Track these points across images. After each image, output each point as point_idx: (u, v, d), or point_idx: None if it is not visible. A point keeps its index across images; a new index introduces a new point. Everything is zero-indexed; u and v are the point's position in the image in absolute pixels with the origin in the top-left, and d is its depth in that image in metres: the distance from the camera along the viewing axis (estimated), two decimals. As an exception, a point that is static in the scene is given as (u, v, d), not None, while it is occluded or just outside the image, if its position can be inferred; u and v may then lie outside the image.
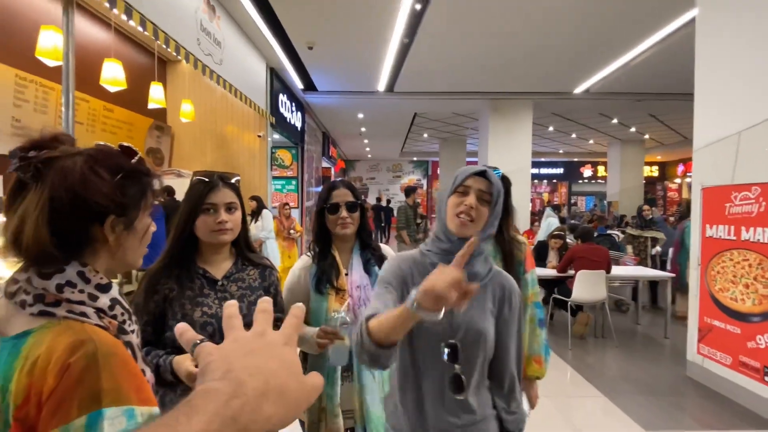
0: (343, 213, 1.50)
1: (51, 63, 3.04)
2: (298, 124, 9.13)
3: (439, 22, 5.51)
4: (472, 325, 1.08)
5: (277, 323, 0.39)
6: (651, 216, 6.50)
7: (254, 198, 6.18)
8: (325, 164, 13.60)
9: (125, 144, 0.71)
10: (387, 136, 13.93)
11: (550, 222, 7.58)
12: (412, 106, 9.90)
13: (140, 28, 3.28)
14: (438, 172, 17.06)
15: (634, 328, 5.33)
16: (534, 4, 5.04)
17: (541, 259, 5.38)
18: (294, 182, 9.77)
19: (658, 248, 6.42)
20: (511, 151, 9.11)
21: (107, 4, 2.88)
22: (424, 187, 20.33)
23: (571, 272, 4.71)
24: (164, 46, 3.65)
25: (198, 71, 4.38)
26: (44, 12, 3.91)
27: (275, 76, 7.29)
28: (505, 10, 5.17)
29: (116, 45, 4.67)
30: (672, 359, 4.25)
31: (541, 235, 7.25)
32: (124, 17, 3.11)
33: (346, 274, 1.53)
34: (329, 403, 1.42)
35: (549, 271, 5.03)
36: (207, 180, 1.28)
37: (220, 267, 1.31)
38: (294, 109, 8.73)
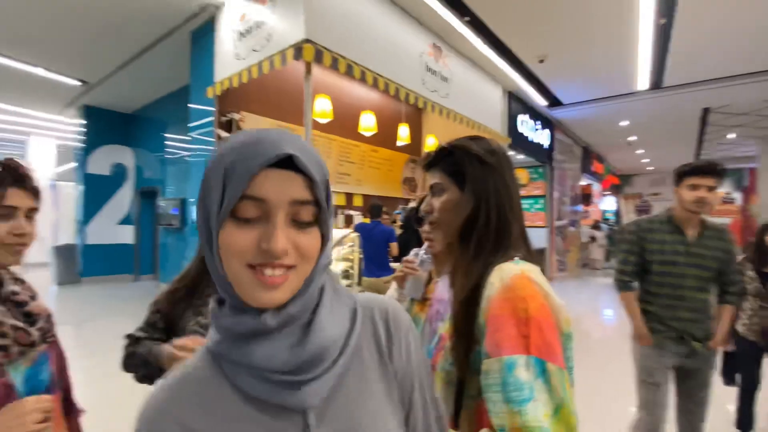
0: (426, 227, 1.22)
1: (323, 120, 4.21)
2: (545, 143, 8.23)
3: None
4: None
5: None
6: None
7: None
8: (587, 181, 11.76)
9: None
10: (669, 143, 10.76)
11: None
12: (696, 100, 7.26)
13: (374, 85, 3.81)
14: (757, 182, 11.27)
15: None
16: None
17: None
18: (542, 201, 8.84)
19: None
20: None
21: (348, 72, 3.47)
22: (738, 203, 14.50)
23: None
24: (383, 89, 4.01)
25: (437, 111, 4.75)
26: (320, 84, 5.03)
27: (513, 98, 6.85)
28: None
29: (379, 99, 5.66)
30: None
31: None
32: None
33: (436, 282, 1.37)
34: None
35: None
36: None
37: None
38: (540, 127, 7.94)
